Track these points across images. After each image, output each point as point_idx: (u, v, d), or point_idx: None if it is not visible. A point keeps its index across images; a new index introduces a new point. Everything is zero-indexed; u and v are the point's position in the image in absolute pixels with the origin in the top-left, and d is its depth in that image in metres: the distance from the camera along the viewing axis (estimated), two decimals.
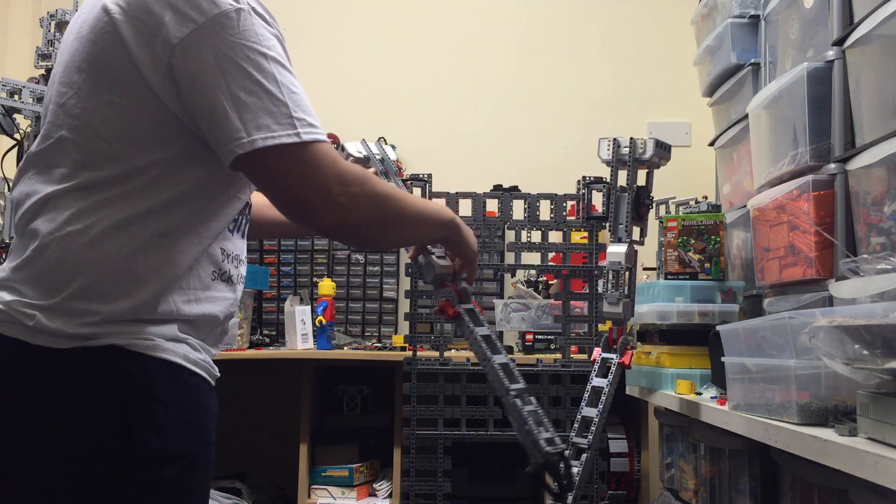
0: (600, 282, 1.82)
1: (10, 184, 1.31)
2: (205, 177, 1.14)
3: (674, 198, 2.28)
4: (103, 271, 1.10)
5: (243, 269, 1.29)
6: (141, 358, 1.10)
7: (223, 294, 1.22)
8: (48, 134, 1.16)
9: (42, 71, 2.40)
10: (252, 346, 2.83)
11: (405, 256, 2.99)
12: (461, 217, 1.95)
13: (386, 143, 1.79)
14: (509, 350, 2.78)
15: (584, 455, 1.59)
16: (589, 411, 1.63)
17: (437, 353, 1.98)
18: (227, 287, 1.23)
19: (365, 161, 1.71)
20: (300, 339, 2.73)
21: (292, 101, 1.10)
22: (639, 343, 2.18)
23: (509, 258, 2.71)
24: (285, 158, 1.09)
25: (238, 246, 1.25)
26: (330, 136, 3.20)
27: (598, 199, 1.95)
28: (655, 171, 1.81)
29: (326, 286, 2.80)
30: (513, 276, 2.96)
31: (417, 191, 2.02)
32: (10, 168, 2.04)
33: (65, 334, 1.08)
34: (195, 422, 1.15)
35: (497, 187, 2.89)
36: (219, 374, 1.26)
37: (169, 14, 1.07)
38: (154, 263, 1.12)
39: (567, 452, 1.44)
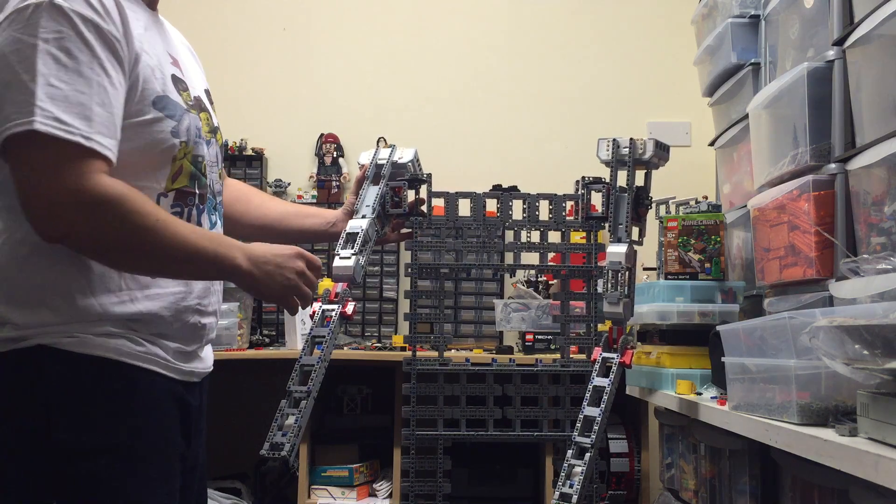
0: (600, 282, 1.82)
1: None
2: None
3: (674, 198, 2.28)
4: (16, 283, 1.13)
5: None
6: (66, 355, 1.12)
7: (167, 290, 1.21)
8: None
9: None
10: (252, 346, 2.83)
11: (406, 256, 3.00)
12: (460, 217, 1.96)
13: (400, 148, 1.81)
14: (509, 350, 2.78)
15: (588, 454, 1.59)
16: (591, 410, 1.63)
17: (436, 354, 1.98)
18: (175, 282, 1.22)
19: (375, 168, 1.74)
20: (300, 339, 2.73)
21: (45, 94, 1.05)
22: (639, 343, 2.18)
23: (508, 258, 2.71)
24: (24, 151, 1.06)
25: None
26: (329, 136, 3.21)
27: (597, 200, 1.95)
28: (655, 172, 1.81)
29: (326, 286, 2.80)
30: (512, 276, 2.96)
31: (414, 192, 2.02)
32: None
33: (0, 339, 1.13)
34: (131, 415, 1.16)
35: (496, 187, 2.88)
36: (195, 369, 1.26)
37: None
38: (63, 270, 1.14)
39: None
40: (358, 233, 1.61)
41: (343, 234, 1.62)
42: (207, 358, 1.35)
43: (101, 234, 1.10)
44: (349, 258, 1.57)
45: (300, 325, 2.74)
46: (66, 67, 1.07)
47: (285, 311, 1.39)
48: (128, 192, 1.11)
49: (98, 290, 1.15)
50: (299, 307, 1.34)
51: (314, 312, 1.58)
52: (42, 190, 1.06)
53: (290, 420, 1.42)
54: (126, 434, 1.15)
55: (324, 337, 1.52)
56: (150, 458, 1.18)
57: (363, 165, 1.76)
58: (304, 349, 1.52)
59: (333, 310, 1.56)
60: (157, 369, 1.19)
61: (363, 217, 1.66)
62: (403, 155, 1.78)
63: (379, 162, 1.75)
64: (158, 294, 1.20)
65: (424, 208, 1.90)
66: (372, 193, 1.71)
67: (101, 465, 1.13)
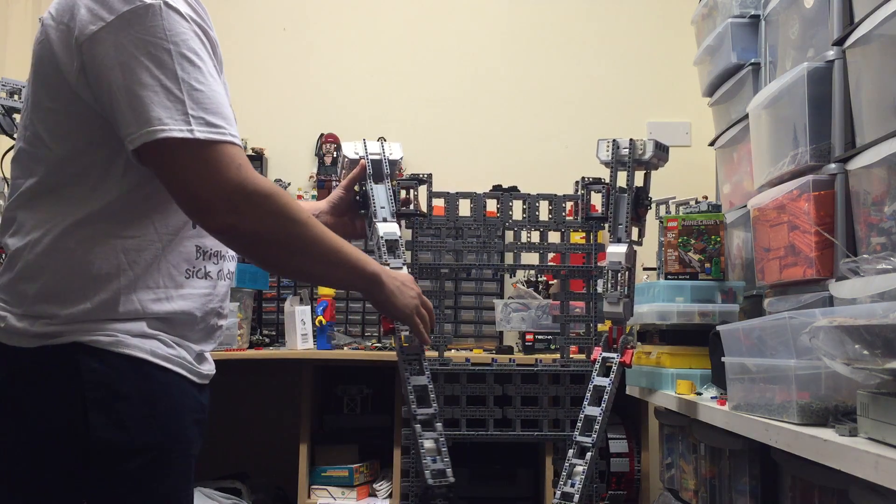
0: (600, 282, 1.82)
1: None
2: (147, 173, 1.14)
3: (674, 198, 2.28)
4: (60, 275, 1.13)
5: (230, 265, 1.30)
6: (103, 354, 1.12)
7: (198, 290, 1.22)
8: (14, 148, 1.22)
9: None
10: (252, 346, 2.83)
11: (406, 256, 2.97)
12: (461, 217, 1.96)
13: (386, 142, 1.78)
14: (509, 350, 2.78)
15: (589, 453, 1.59)
16: (592, 410, 1.63)
17: (436, 354, 1.98)
18: (204, 283, 1.24)
19: (375, 164, 1.72)
20: (300, 339, 2.73)
21: (191, 99, 1.08)
22: (639, 343, 2.18)
23: (508, 258, 2.71)
24: (178, 154, 1.08)
25: (219, 242, 1.24)
26: (329, 135, 3.21)
27: (596, 200, 1.95)
28: (655, 172, 1.81)
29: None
30: (512, 276, 2.96)
31: (418, 190, 2.02)
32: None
33: (31, 334, 1.12)
34: (162, 416, 1.16)
35: (496, 187, 2.88)
36: (209, 371, 1.27)
37: (83, 13, 1.09)
38: (111, 263, 1.14)
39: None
40: (397, 240, 1.60)
41: (383, 243, 1.60)
42: (211, 360, 1.36)
43: (264, 225, 1.13)
44: (401, 267, 1.57)
45: (300, 325, 2.74)
46: (200, 69, 1.10)
47: (414, 333, 1.49)
48: (279, 188, 1.15)
49: (139, 286, 1.16)
50: (425, 332, 1.46)
51: (393, 327, 1.58)
52: (208, 185, 1.09)
53: (431, 444, 1.45)
54: (158, 435, 1.16)
55: (418, 355, 1.56)
56: (177, 460, 1.19)
57: (352, 159, 1.72)
58: (404, 369, 1.54)
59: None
60: (184, 372, 1.20)
61: (384, 220, 1.64)
62: (393, 150, 1.76)
63: (374, 158, 1.72)
64: (191, 294, 1.21)
65: (424, 208, 1.90)
66: (381, 193, 1.68)
67: (135, 466, 1.13)
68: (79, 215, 1.13)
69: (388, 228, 1.61)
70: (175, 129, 1.07)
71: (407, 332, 1.57)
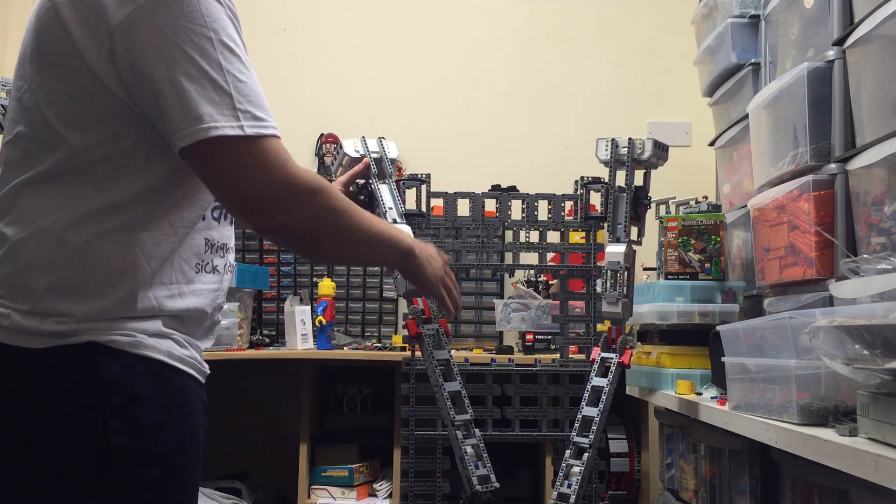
0: (599, 282, 1.82)
1: None
2: (168, 165, 1.08)
3: (674, 198, 2.28)
4: (74, 269, 1.06)
5: (231, 257, 1.26)
6: (122, 355, 1.06)
7: (208, 286, 1.18)
8: (9, 131, 1.12)
9: None
10: (252, 346, 2.83)
11: None
12: (460, 217, 1.96)
13: (385, 141, 1.78)
14: (508, 350, 2.78)
15: (586, 454, 1.59)
16: (590, 411, 1.63)
17: None
18: (213, 277, 1.20)
19: (360, 160, 1.71)
20: (300, 339, 2.73)
21: (237, 91, 1.04)
22: (639, 343, 2.18)
23: (508, 258, 2.71)
24: (228, 152, 1.03)
25: (224, 234, 1.22)
26: (329, 135, 3.21)
27: (596, 199, 1.95)
28: (655, 171, 1.81)
29: (326, 286, 2.80)
30: (512, 276, 2.96)
31: (413, 192, 2.02)
32: None
33: (40, 333, 1.05)
34: (178, 421, 1.12)
35: (495, 187, 2.88)
36: (208, 371, 1.23)
37: None
38: (127, 258, 1.07)
39: (493, 492, 1.54)
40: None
41: None
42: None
43: (314, 221, 1.11)
44: None
45: (300, 325, 2.74)
46: (240, 58, 1.07)
47: (440, 305, 1.47)
48: (322, 180, 1.14)
49: (154, 283, 1.10)
50: (450, 302, 1.45)
51: (420, 333, 1.60)
52: (255, 185, 1.06)
53: (471, 450, 1.48)
54: (174, 442, 1.11)
55: (447, 360, 1.61)
56: (190, 466, 1.15)
57: (353, 157, 1.72)
58: (438, 376, 1.56)
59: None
60: (194, 373, 1.16)
61: (394, 222, 1.64)
62: (390, 149, 1.76)
63: (375, 156, 1.73)
64: (201, 290, 1.17)
65: (423, 208, 1.90)
66: (387, 193, 1.68)
67: (152, 475, 1.08)
68: (93, 206, 1.06)
69: (403, 230, 1.62)
70: (227, 125, 1.02)
71: (433, 309, 1.58)
